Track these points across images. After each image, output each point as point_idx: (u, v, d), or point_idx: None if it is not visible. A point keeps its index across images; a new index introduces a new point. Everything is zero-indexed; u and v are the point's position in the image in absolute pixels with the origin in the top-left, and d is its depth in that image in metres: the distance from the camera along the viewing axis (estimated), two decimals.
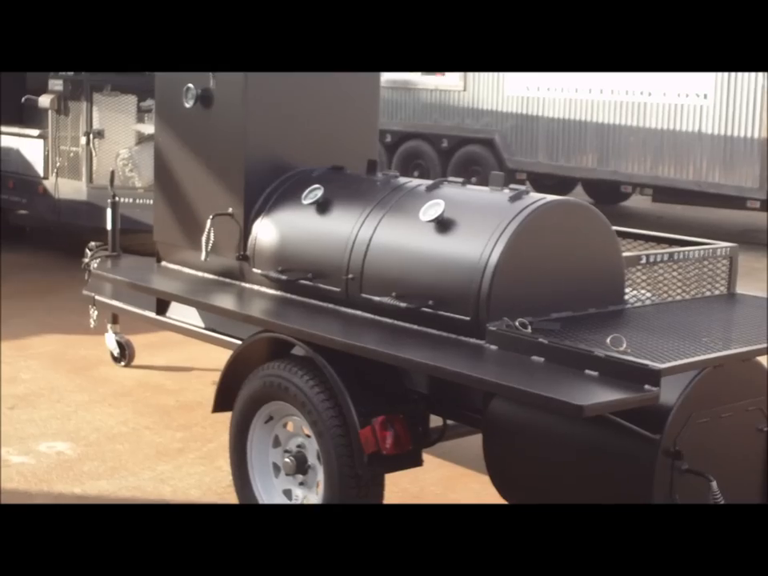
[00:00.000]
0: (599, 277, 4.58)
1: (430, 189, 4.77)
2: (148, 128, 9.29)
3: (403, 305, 4.44)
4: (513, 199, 4.45)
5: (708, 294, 5.07)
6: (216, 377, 7.08)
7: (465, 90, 14.79)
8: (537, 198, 4.44)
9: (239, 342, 5.27)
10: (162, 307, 5.85)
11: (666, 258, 4.89)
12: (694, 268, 5.01)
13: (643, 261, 4.81)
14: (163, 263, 5.80)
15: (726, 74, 12.05)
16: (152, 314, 5.90)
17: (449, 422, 4.69)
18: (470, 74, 14.62)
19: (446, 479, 5.59)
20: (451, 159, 15.12)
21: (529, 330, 4.15)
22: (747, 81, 11.94)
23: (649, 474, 3.78)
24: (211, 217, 5.25)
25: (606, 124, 13.37)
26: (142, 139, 9.68)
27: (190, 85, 5.41)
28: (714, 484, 3.86)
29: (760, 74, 11.79)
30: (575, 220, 4.50)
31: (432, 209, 4.51)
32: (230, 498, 5.16)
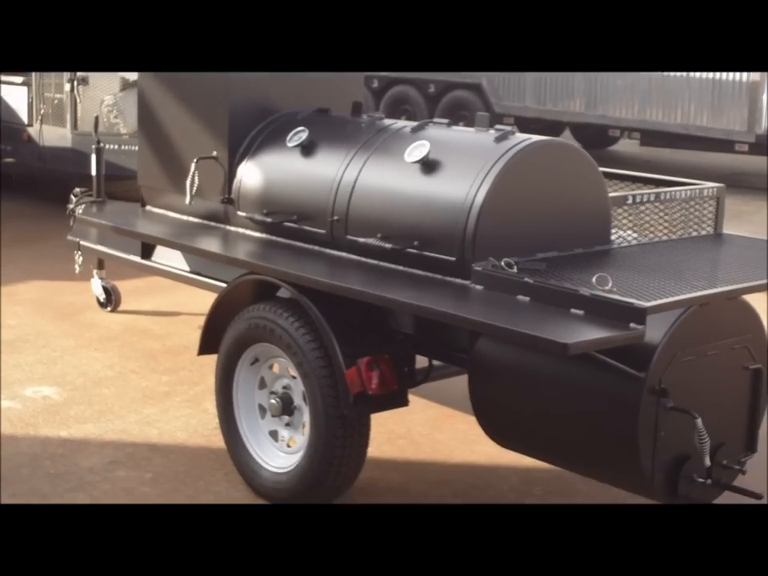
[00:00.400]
0: (585, 217, 4.56)
1: (415, 130, 4.73)
2: (132, 74, 9.20)
3: (388, 246, 4.42)
4: (499, 140, 4.42)
5: (695, 234, 5.06)
6: (202, 321, 7.14)
7: None
8: (523, 138, 4.41)
9: (224, 286, 5.28)
10: (147, 251, 5.82)
11: (652, 198, 4.87)
12: (680, 209, 5.00)
13: (629, 201, 4.79)
14: (148, 207, 5.76)
15: None
16: (137, 259, 5.87)
17: (435, 362, 4.70)
18: None
19: (432, 420, 5.61)
20: (438, 104, 15.05)
21: (514, 269, 4.13)
22: None
23: (634, 411, 3.79)
24: (195, 160, 5.21)
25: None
26: (126, 85, 9.61)
27: None
28: (699, 421, 3.87)
29: None
30: (561, 160, 4.47)
31: (417, 150, 4.48)
32: (216, 440, 5.17)
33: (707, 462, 3.94)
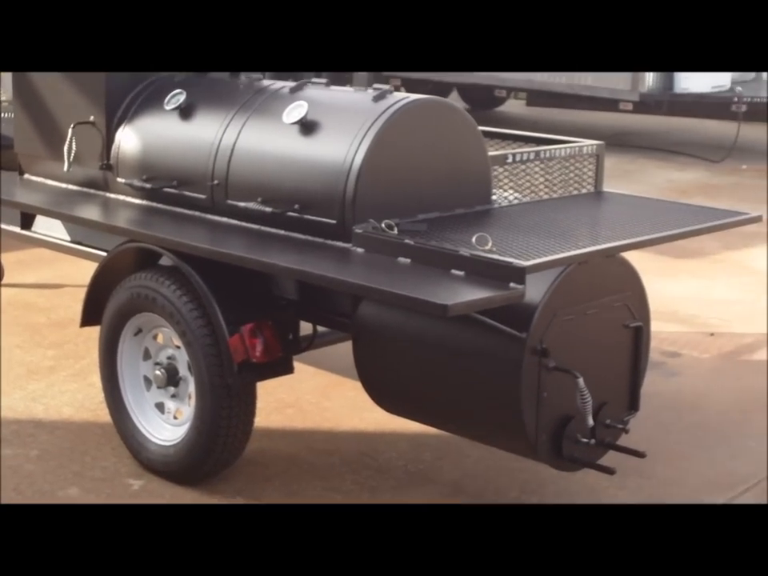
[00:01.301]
0: (466, 177, 4.56)
1: (293, 90, 4.66)
2: None
3: (269, 210, 4.37)
4: (376, 99, 4.38)
5: (575, 192, 5.09)
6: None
7: None
8: (400, 98, 4.38)
9: (103, 254, 5.18)
10: (27, 222, 5.66)
11: (532, 156, 4.89)
12: (560, 167, 5.02)
13: (509, 160, 4.80)
14: (26, 176, 5.59)
15: None
16: (17, 229, 5.71)
17: (320, 328, 4.67)
18: None
19: (321, 387, 5.59)
20: None
21: (395, 231, 4.12)
22: None
23: (516, 371, 3.81)
24: (72, 126, 5.07)
25: None
26: None
27: None
28: (581, 381, 3.91)
29: None
30: (440, 119, 4.45)
31: (295, 111, 4.42)
32: (103, 414, 5.08)
33: (590, 421, 3.99)
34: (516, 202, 4.82)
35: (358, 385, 4.39)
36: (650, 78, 12.20)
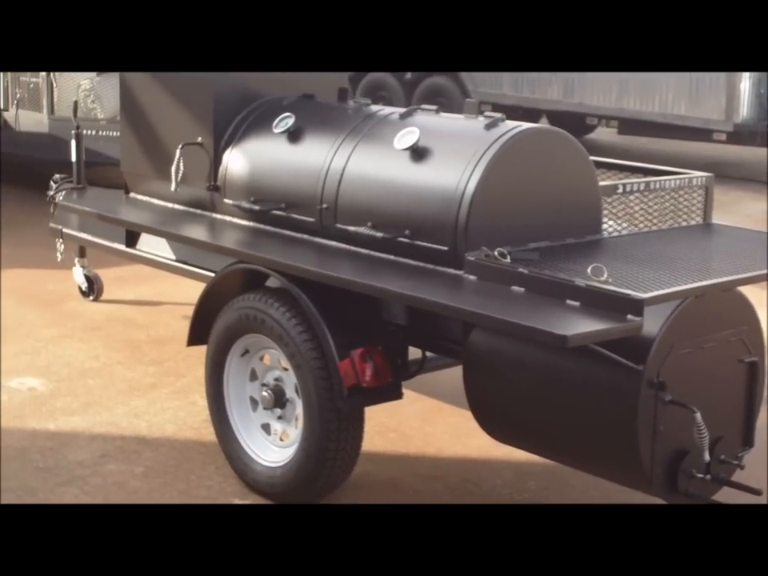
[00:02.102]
0: (576, 206, 4.53)
1: (403, 116, 4.68)
2: None
3: (379, 235, 4.37)
4: (489, 127, 4.38)
5: (684, 224, 5.03)
6: (187, 311, 7.05)
7: None
8: (513, 126, 4.37)
9: (212, 275, 5.22)
10: (131, 239, 5.75)
11: (642, 187, 4.84)
12: (669, 198, 4.97)
13: (620, 190, 4.76)
14: (131, 194, 5.69)
15: None
16: (122, 247, 5.80)
17: (428, 354, 4.66)
18: None
19: (423, 413, 5.58)
20: (415, 91, 14.98)
21: (508, 259, 4.10)
22: None
23: (633, 404, 3.76)
24: (180, 146, 5.14)
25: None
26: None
27: None
28: (699, 415, 3.84)
29: None
30: (552, 148, 4.44)
31: (407, 137, 4.43)
32: (207, 432, 5.14)
33: (706, 456, 3.92)
34: (625, 232, 4.77)
35: (461, 411, 4.38)
36: (744, 108, 12.06)
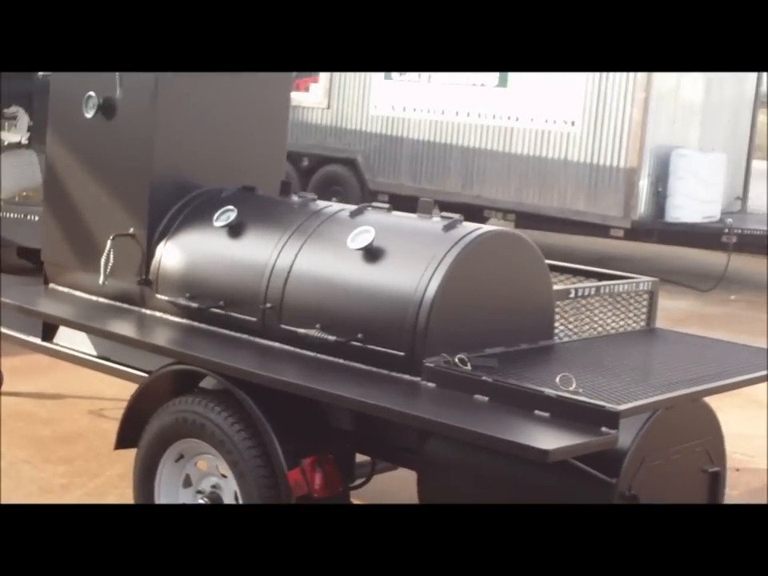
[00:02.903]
0: (531, 310, 4.42)
1: (354, 214, 4.52)
2: (9, 136, 8.73)
3: (332, 338, 4.17)
4: (447, 228, 4.25)
5: (630, 328, 4.96)
6: (91, 405, 6.77)
7: (328, 107, 14.56)
8: (472, 228, 4.25)
9: (138, 373, 4.95)
10: (48, 333, 5.42)
11: (593, 291, 4.76)
12: (616, 302, 4.90)
13: (572, 295, 4.67)
14: (51, 285, 5.37)
15: (594, 101, 12.14)
16: (37, 340, 5.46)
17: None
18: (335, 91, 14.41)
19: None
20: (311, 178, 14.87)
21: (468, 366, 3.94)
22: (615, 109, 12.04)
23: None
24: (111, 237, 4.87)
25: (472, 147, 13.31)
26: (2, 148, 9.12)
27: (92, 93, 5.02)
28: None
29: (627, 102, 11.92)
30: (511, 251, 4.33)
31: (361, 236, 4.26)
32: None
33: None
34: (575, 337, 4.66)
35: None
36: (642, 206, 12.25)
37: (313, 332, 4.21)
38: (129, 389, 6.83)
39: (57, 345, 5.41)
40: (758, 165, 14.62)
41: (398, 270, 4.15)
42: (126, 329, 4.80)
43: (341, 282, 4.26)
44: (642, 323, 5.04)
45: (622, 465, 3.64)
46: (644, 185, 12.18)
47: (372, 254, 4.22)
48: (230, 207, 4.70)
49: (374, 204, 4.63)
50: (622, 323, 4.93)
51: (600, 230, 12.69)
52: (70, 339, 5.34)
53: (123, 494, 5.47)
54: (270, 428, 4.07)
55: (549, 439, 3.47)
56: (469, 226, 4.28)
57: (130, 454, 5.84)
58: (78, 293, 5.22)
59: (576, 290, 4.69)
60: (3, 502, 5.23)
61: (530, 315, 4.41)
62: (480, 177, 13.37)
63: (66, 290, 5.28)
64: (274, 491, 4.06)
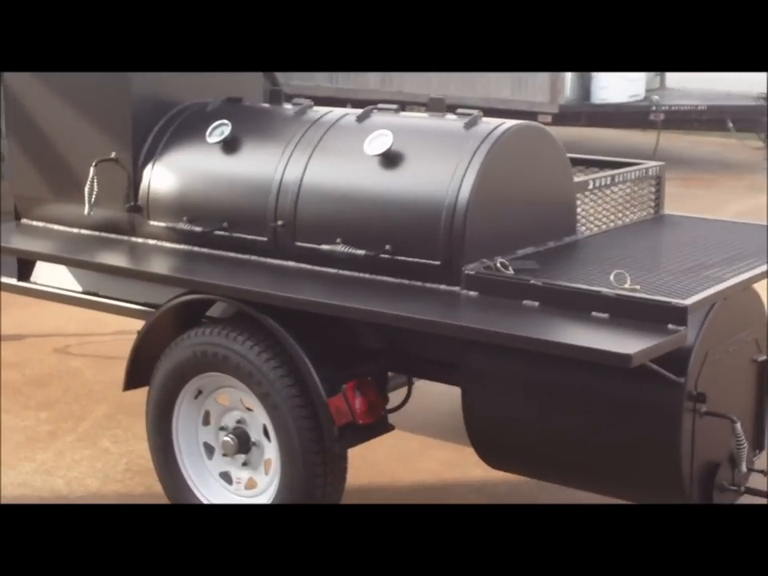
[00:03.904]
0: (555, 206, 4.22)
1: (361, 119, 4.23)
2: None
3: (360, 252, 3.91)
4: (468, 125, 4.01)
5: (642, 216, 4.79)
6: (55, 342, 6.42)
7: None
8: (495, 123, 4.02)
9: (131, 306, 4.67)
10: (24, 272, 5.05)
11: (608, 182, 4.56)
12: (628, 190, 4.71)
13: (590, 186, 4.46)
14: (24, 221, 4.99)
15: None
16: (12, 281, 5.09)
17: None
18: None
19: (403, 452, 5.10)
20: None
21: (510, 270, 3.73)
22: None
23: (675, 419, 3.46)
24: (94, 163, 4.50)
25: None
26: None
27: None
28: (738, 425, 3.60)
29: None
30: (536, 144, 4.11)
31: (378, 140, 3.98)
32: (133, 484, 4.66)
33: (744, 468, 3.69)
34: (595, 230, 4.47)
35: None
36: (567, 90, 12.08)
37: (339, 248, 3.94)
38: (91, 323, 6.56)
39: (35, 284, 5.05)
40: None
41: (424, 173, 3.90)
42: (120, 260, 4.47)
43: (361, 192, 3.99)
44: (650, 210, 4.87)
45: (688, 363, 3.47)
46: None
47: (392, 158, 3.95)
48: (223, 121, 4.37)
49: (380, 106, 4.34)
50: (637, 212, 4.75)
51: (528, 116, 12.35)
52: (49, 277, 4.99)
53: (116, 436, 5.24)
54: (305, 354, 3.82)
55: (625, 342, 3.29)
56: (490, 121, 4.05)
57: (111, 391, 5.65)
58: (55, 226, 4.85)
59: (594, 180, 4.48)
60: None
61: (555, 211, 4.21)
62: (399, 72, 13.02)
63: (41, 224, 4.90)
64: (312, 421, 3.84)
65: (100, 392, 5.73)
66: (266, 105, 4.62)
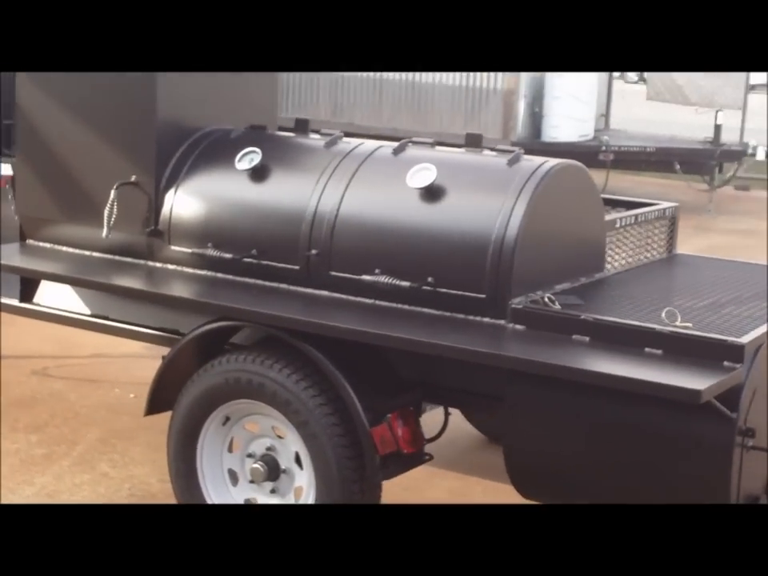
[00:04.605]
0: (589, 243, 4.27)
1: (397, 152, 4.23)
2: None
3: (404, 283, 3.90)
4: (511, 162, 4.03)
5: (658, 255, 4.87)
6: (32, 365, 6.28)
7: None
8: (540, 161, 4.05)
9: (144, 330, 4.59)
10: (27, 293, 4.93)
11: (632, 221, 4.62)
12: (648, 229, 4.78)
13: (617, 225, 4.51)
14: (30, 241, 4.87)
15: None
16: (14, 302, 4.96)
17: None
18: None
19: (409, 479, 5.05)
20: None
21: (557, 305, 3.75)
22: None
23: (726, 455, 3.49)
24: (116, 186, 4.42)
25: (340, 74, 12.95)
26: None
27: None
28: None
29: None
30: (576, 182, 4.16)
31: (422, 174, 3.99)
32: None
33: None
34: (621, 268, 4.52)
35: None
36: (519, 127, 12.21)
37: (382, 278, 3.93)
38: (66, 344, 6.41)
39: (38, 305, 4.93)
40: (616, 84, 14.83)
41: (469, 208, 3.92)
42: (142, 283, 4.39)
43: (403, 224, 3.99)
44: (661, 250, 4.93)
45: (740, 399, 3.52)
46: (521, 105, 12.13)
47: (435, 192, 3.96)
48: (253, 149, 4.32)
49: (415, 139, 4.35)
50: (653, 250, 4.82)
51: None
52: (53, 298, 4.88)
53: (113, 460, 5.14)
54: (347, 383, 3.79)
55: (688, 378, 3.32)
56: (533, 158, 4.08)
57: (99, 415, 5.55)
58: (64, 248, 4.74)
59: (620, 219, 4.53)
60: None
61: (587, 248, 4.26)
62: (350, 102, 13.06)
63: (48, 245, 4.80)
64: (352, 450, 3.81)
65: (87, 415, 5.62)
66: (292, 134, 4.58)
